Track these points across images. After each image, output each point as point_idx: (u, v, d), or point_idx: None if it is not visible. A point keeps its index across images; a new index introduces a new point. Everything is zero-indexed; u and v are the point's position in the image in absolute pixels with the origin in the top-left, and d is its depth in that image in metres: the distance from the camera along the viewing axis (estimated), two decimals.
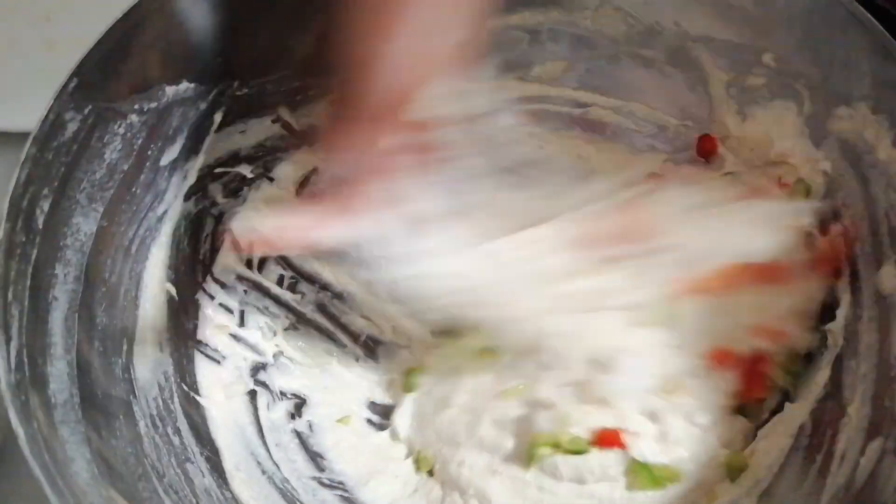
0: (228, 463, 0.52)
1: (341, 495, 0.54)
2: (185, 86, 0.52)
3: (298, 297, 0.59)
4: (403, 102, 0.45)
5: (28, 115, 0.64)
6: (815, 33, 0.49)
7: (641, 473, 0.48)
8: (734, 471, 0.48)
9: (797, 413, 0.49)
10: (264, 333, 0.58)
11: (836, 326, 0.49)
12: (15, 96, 0.69)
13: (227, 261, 0.58)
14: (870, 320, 0.47)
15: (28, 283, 0.45)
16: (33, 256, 0.45)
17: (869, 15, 0.46)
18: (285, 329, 0.58)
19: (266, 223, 0.48)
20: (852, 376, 0.47)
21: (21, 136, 0.65)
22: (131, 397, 0.49)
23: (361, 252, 0.48)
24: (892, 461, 0.40)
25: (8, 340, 0.42)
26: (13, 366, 0.41)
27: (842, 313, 0.49)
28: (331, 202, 0.47)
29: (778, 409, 0.50)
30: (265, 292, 0.58)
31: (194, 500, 0.48)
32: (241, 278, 0.58)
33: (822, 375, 0.49)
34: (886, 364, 0.44)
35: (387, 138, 0.45)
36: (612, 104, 0.59)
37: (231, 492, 0.50)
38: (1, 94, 0.69)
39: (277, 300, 0.58)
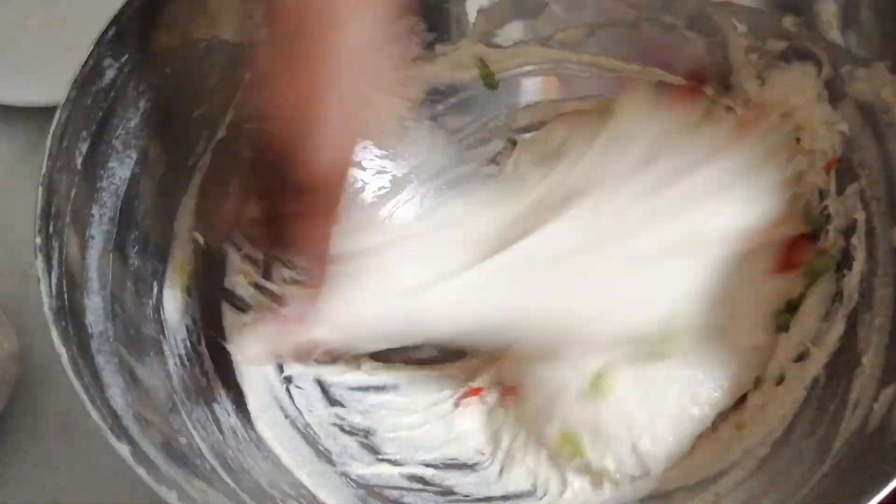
0: (253, 406, 0.53)
1: (361, 441, 0.56)
2: (219, 41, 0.54)
3: None
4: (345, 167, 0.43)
5: (40, 90, 0.68)
6: None
7: None
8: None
9: (811, 365, 0.50)
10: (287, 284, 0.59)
11: (851, 282, 0.50)
12: (27, 72, 0.71)
13: (254, 214, 0.59)
14: (885, 275, 0.48)
15: (67, 219, 0.46)
16: (72, 195, 0.47)
17: None
18: None
19: (261, 340, 0.49)
20: (867, 329, 0.47)
21: (34, 111, 0.69)
22: (161, 336, 0.50)
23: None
24: None
25: (49, 269, 0.43)
26: (55, 293, 0.43)
27: (857, 268, 0.50)
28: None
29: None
30: None
31: (221, 437, 0.49)
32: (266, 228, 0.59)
33: (836, 329, 0.49)
34: None
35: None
36: (632, 69, 0.60)
37: (256, 432, 0.52)
38: (13, 70, 0.71)
39: None
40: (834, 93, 0.52)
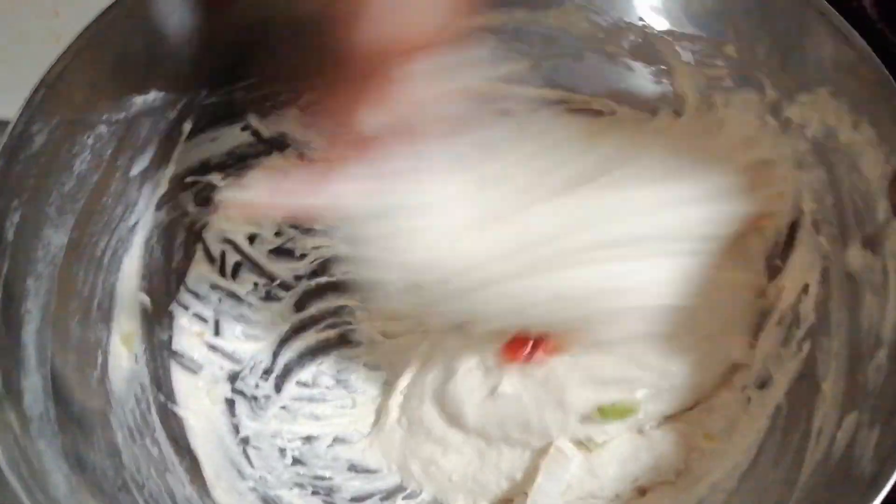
0: (209, 472, 0.52)
1: (325, 500, 0.54)
2: (154, 95, 0.52)
3: (275, 303, 0.59)
4: (392, 59, 0.43)
5: None
6: (773, 22, 0.50)
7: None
8: None
9: (773, 394, 0.49)
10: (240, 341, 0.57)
11: (807, 306, 0.50)
12: (24, 88, 0.69)
13: (200, 270, 0.58)
14: (840, 299, 0.48)
15: (0, 296, 0.44)
16: (4, 269, 0.45)
17: (824, 1, 0.47)
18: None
19: (257, 187, 0.47)
20: (825, 354, 0.47)
21: None
22: (108, 409, 0.48)
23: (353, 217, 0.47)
24: (866, 432, 0.41)
25: None
26: None
27: (812, 292, 0.50)
28: (321, 164, 0.46)
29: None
30: (239, 300, 0.58)
31: None
32: (214, 287, 0.58)
33: (795, 355, 0.49)
34: (857, 339, 0.45)
35: (372, 108, 0.44)
36: (578, 100, 0.60)
37: (212, 501, 0.50)
38: (10, 86, 0.69)
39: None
40: (780, 117, 0.52)
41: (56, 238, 0.48)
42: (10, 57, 0.71)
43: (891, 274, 0.45)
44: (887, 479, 0.37)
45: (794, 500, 0.42)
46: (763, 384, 0.51)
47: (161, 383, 0.53)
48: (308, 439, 0.56)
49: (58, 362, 0.46)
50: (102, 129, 0.50)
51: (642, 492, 0.51)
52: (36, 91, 0.48)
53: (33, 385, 0.44)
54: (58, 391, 0.45)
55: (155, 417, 0.51)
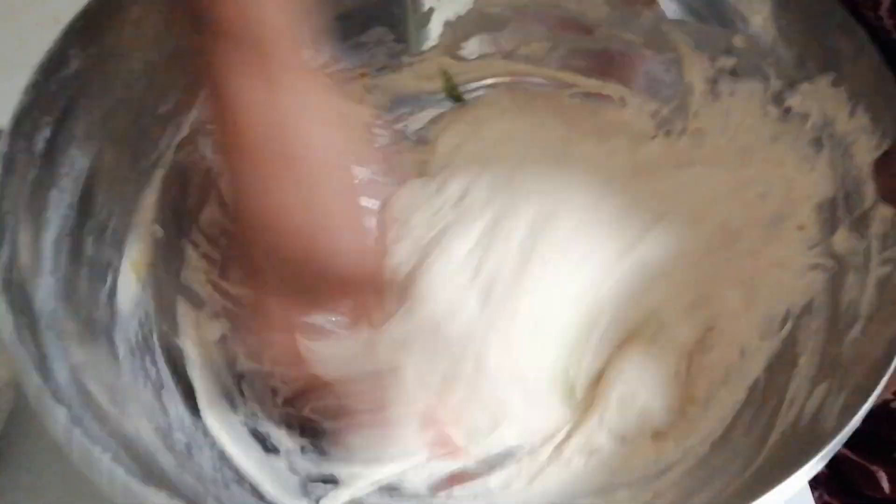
0: (202, 401, 0.53)
1: (312, 441, 0.55)
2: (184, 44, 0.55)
3: None
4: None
5: None
6: (779, 13, 0.52)
7: None
8: None
9: (752, 369, 0.50)
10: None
11: None
12: None
13: (213, 214, 0.60)
14: (824, 281, 0.49)
15: (25, 200, 0.47)
16: (31, 177, 0.48)
17: None
18: None
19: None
20: (805, 331, 0.49)
21: None
22: (113, 324, 0.50)
23: None
24: (834, 398, 0.42)
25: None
26: (3, 267, 0.43)
27: None
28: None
29: None
30: None
31: (168, 424, 0.49)
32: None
33: (777, 333, 0.51)
34: (836, 316, 0.47)
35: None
36: (590, 85, 0.62)
37: (202, 422, 0.52)
38: (10, 93, 0.71)
39: None
40: (782, 106, 0.54)
41: (81, 159, 0.51)
42: (9, 64, 0.73)
43: (873, 254, 0.46)
44: (840, 431, 0.38)
45: (761, 459, 0.43)
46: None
47: (165, 312, 0.55)
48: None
49: (70, 272, 0.48)
50: (135, 65, 0.53)
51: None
52: (77, 19, 0.50)
53: (46, 284, 0.46)
54: (68, 296, 0.47)
55: (156, 342, 0.53)
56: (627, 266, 0.54)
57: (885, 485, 0.48)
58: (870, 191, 0.47)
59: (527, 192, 0.57)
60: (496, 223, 0.56)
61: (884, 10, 0.49)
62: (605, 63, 0.61)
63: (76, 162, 0.51)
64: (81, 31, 0.50)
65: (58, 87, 0.50)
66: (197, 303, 0.58)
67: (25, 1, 0.75)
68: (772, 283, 0.52)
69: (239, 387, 0.56)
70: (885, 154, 0.37)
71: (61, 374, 0.42)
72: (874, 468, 0.49)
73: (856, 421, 0.38)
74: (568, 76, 0.63)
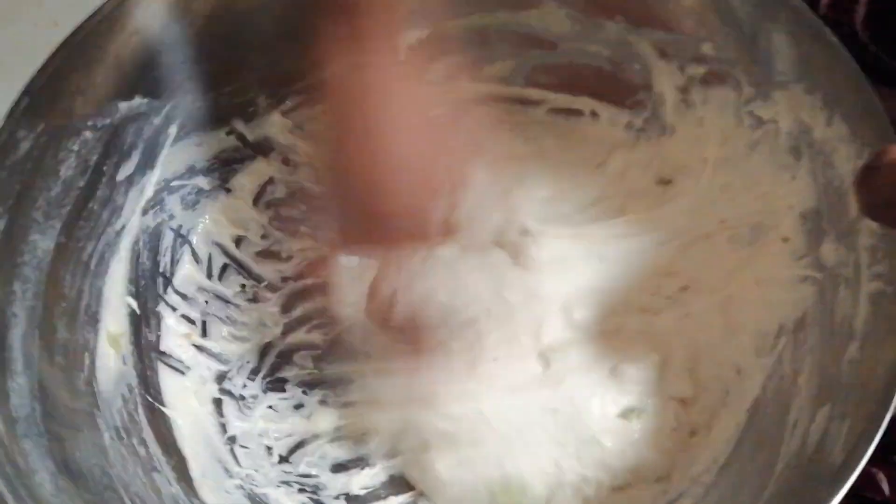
0: (195, 470, 0.52)
1: (312, 498, 0.55)
2: (139, 101, 0.53)
3: (262, 305, 0.60)
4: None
5: None
6: (750, 20, 0.51)
7: None
8: None
9: (750, 388, 0.50)
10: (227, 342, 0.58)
11: None
12: None
13: (187, 272, 0.59)
14: (815, 294, 0.48)
15: None
16: None
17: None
18: None
19: None
20: (801, 348, 0.48)
21: None
22: (95, 410, 0.49)
23: None
24: (838, 424, 0.41)
25: None
26: None
27: None
28: None
29: None
30: (226, 302, 0.59)
31: None
32: (202, 289, 0.59)
33: (772, 350, 0.50)
34: (831, 333, 0.46)
35: None
36: (560, 100, 0.61)
37: (199, 500, 0.51)
38: (10, 96, 0.70)
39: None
40: (754, 115, 0.53)
41: (42, 243, 0.49)
42: (8, 67, 0.71)
43: (863, 268, 0.45)
44: (853, 470, 0.37)
45: (769, 490, 0.43)
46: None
47: (149, 384, 0.54)
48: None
49: (44, 365, 0.47)
50: (87, 134, 0.51)
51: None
52: (20, 99, 0.48)
53: (19, 386, 0.44)
54: (44, 393, 0.46)
55: (142, 417, 0.52)
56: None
57: (885, 487, 0.48)
58: (854, 201, 0.46)
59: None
60: None
61: (858, 21, 0.48)
62: (573, 77, 0.59)
63: (37, 247, 0.49)
64: (26, 111, 0.48)
65: (9, 173, 0.48)
66: (181, 368, 0.56)
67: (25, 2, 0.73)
68: (761, 297, 0.51)
69: (232, 451, 0.55)
70: (866, 168, 0.36)
71: (47, 490, 0.41)
72: (874, 470, 0.49)
73: (867, 455, 0.37)
74: (535, 93, 0.61)
